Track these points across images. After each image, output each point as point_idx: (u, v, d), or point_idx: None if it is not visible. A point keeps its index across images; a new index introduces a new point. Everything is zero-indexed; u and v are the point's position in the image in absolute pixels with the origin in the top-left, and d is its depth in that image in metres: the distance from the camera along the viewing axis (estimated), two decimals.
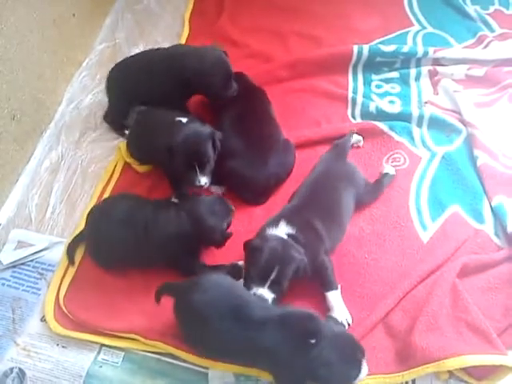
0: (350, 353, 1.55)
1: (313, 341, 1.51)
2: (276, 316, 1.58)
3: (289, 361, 1.54)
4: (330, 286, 1.81)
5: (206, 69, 2.17)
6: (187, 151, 1.95)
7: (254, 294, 1.70)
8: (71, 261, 1.99)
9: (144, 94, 2.27)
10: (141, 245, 1.87)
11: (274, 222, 1.85)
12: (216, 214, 1.88)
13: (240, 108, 2.24)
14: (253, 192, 2.13)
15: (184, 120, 2.06)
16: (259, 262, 1.73)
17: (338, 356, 1.52)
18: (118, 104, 2.41)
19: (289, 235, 1.81)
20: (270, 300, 1.71)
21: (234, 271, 1.87)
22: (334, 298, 1.80)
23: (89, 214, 1.99)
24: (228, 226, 1.92)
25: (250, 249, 1.78)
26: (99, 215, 1.96)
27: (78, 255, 2.03)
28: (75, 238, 2.03)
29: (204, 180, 1.97)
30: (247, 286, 1.74)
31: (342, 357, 1.53)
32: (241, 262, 1.90)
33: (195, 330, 1.65)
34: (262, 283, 1.72)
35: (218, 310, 1.59)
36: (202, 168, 1.96)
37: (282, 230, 1.82)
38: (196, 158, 1.95)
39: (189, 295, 1.64)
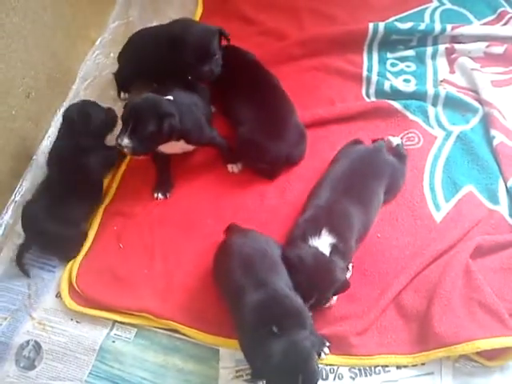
0: None
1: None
2: None
3: None
4: None
5: (183, 36, 2.12)
6: (130, 110, 1.92)
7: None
8: (26, 274, 1.98)
9: (150, 66, 2.28)
10: None
11: (315, 229, 1.76)
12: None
13: (253, 78, 2.22)
14: (263, 160, 2.10)
15: (169, 97, 1.99)
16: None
17: None
18: (125, 71, 2.45)
19: (332, 246, 1.75)
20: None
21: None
22: None
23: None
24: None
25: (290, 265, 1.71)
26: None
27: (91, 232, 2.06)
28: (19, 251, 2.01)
29: (126, 141, 1.89)
30: None
31: None
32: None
33: None
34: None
35: None
36: (133, 131, 1.89)
37: (325, 241, 1.74)
38: (132, 119, 1.89)
39: None
